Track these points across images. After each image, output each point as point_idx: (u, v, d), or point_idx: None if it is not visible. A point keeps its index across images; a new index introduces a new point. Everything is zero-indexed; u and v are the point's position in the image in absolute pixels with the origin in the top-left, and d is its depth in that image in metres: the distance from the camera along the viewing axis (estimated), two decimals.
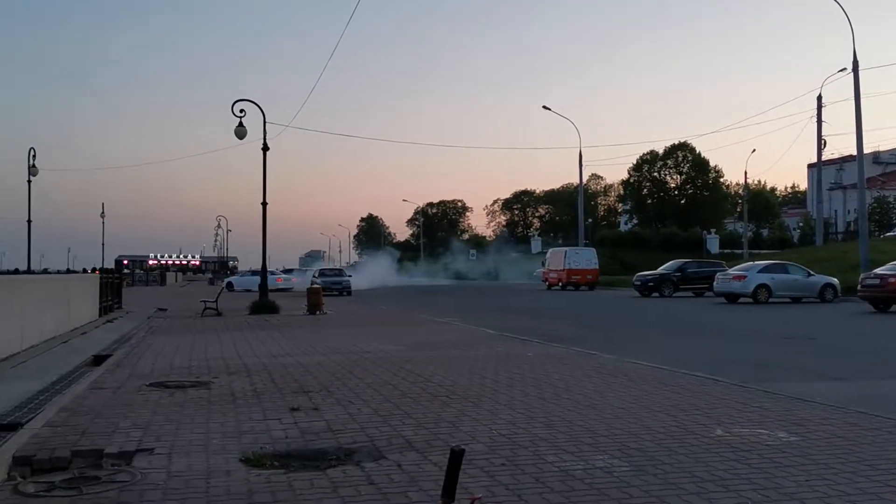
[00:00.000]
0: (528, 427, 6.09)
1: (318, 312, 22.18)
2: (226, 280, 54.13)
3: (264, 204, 24.29)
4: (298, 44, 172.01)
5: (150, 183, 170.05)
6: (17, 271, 16.36)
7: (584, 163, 50.26)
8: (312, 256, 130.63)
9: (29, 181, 33.03)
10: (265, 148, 24.24)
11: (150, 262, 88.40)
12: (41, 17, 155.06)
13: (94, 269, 24.92)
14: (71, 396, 7.73)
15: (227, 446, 5.49)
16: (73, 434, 5.87)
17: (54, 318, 15.24)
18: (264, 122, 24.23)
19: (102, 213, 61.01)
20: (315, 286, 25.26)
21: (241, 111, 23.48)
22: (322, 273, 44.42)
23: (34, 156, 33.03)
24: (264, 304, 23.30)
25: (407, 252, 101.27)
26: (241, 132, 23.81)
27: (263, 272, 25.70)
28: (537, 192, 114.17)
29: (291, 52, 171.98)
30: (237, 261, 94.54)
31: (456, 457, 2.73)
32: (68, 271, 22.38)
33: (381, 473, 4.77)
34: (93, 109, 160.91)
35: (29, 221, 32.95)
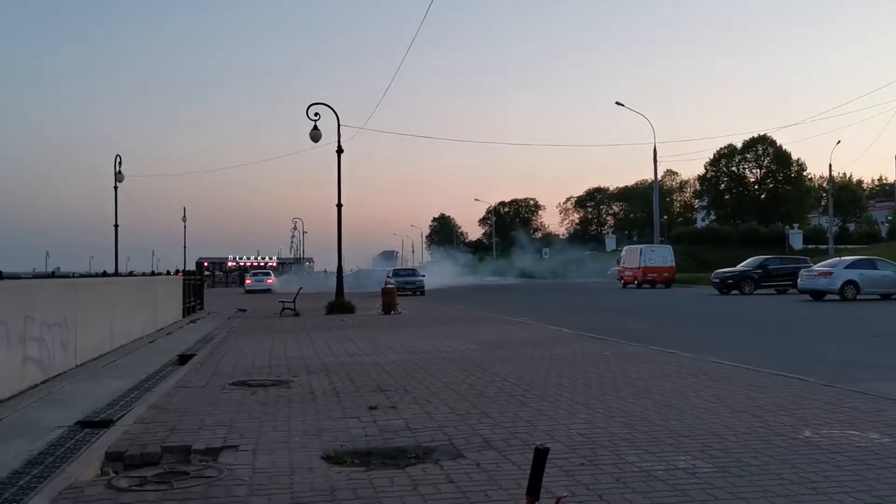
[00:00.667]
0: (606, 427, 6.03)
1: (392, 312, 22.41)
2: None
3: (339, 206, 24.67)
4: (371, 44, 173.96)
5: (229, 187, 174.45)
6: (105, 273, 17.07)
7: (658, 158, 49.32)
8: (386, 256, 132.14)
9: (115, 187, 34.41)
10: (339, 150, 24.62)
11: (230, 263, 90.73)
12: (126, 28, 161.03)
13: (176, 271, 25.70)
14: (159, 394, 8.02)
15: (308, 444, 5.60)
16: (163, 431, 6.08)
17: (142, 319, 15.83)
18: (338, 125, 24.64)
19: (184, 216, 63.07)
20: (389, 286, 25.53)
21: (316, 115, 23.92)
22: (396, 273, 44.89)
23: (120, 162, 34.38)
24: (340, 305, 23.66)
25: (478, 251, 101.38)
26: (315, 135, 24.24)
27: (339, 273, 26.08)
28: (611, 189, 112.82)
29: (364, 53, 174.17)
30: (313, 262, 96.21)
31: (540, 455, 2.73)
32: (153, 273, 23.19)
33: (460, 472, 4.79)
34: (174, 117, 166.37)
35: (116, 226, 34.33)
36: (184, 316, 21.84)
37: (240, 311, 25.69)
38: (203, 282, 30.47)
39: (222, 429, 6.15)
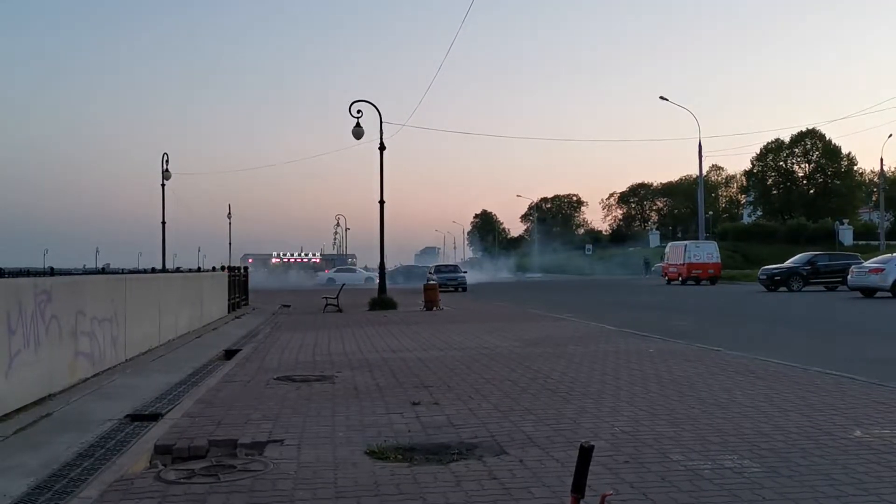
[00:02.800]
0: (651, 425, 5.96)
1: (434, 308, 22.46)
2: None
3: (381, 202, 24.77)
4: (413, 41, 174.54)
5: (273, 184, 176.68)
6: (153, 270, 17.42)
7: (703, 153, 48.60)
8: (427, 253, 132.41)
9: (163, 184, 35.08)
10: (382, 147, 24.71)
11: (274, 260, 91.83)
12: (174, 25, 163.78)
13: (222, 267, 26.08)
14: (205, 389, 8.15)
15: (352, 439, 5.64)
16: (210, 424, 6.18)
17: (188, 314, 16.10)
18: (381, 122, 24.75)
19: (229, 213, 64.08)
20: (431, 282, 25.58)
21: (359, 112, 24.06)
22: (438, 269, 44.96)
23: (167, 160, 35.02)
24: (383, 301, 23.78)
25: (520, 247, 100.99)
26: (358, 132, 24.39)
27: (381, 270, 26.21)
28: (655, 184, 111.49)
29: (406, 49, 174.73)
30: (355, 258, 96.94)
31: (585, 452, 2.71)
32: (199, 270, 23.60)
33: (503, 468, 4.78)
34: (218, 115, 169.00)
35: (163, 223, 35.01)
36: (229, 311, 22.15)
37: (284, 307, 25.97)
38: (248, 277, 30.87)
39: (267, 423, 6.23)
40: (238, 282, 25.35)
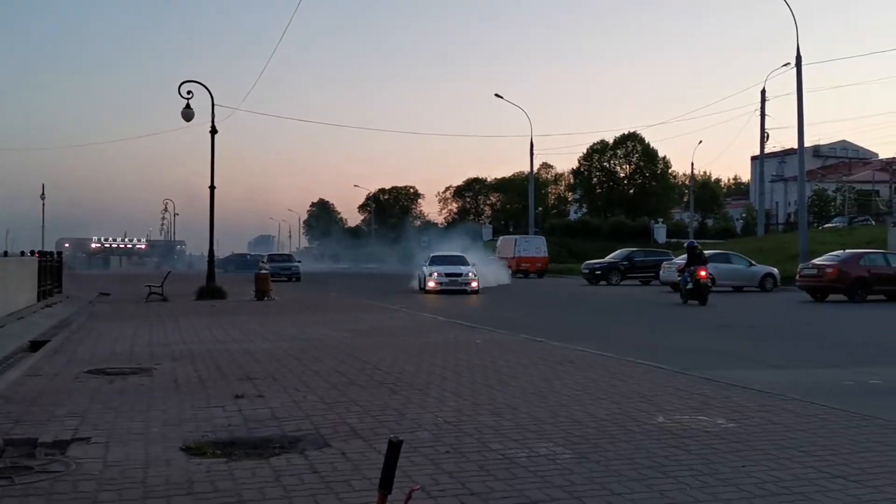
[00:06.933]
0: (473, 415, 6.11)
1: (266, 298, 21.94)
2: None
3: (212, 188, 23.94)
4: (250, 25, 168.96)
5: (96, 165, 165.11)
6: None
7: (535, 151, 50.54)
8: (262, 241, 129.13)
9: None
10: (213, 131, 23.83)
11: (94, 245, 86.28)
12: None
13: (32, 252, 24.18)
14: (5, 384, 7.50)
15: (167, 435, 5.38)
16: (7, 422, 5.69)
17: None
18: (212, 105, 23.86)
19: (42, 194, 59.52)
20: (264, 272, 24.97)
21: (189, 93, 23.04)
22: (271, 258, 44.00)
23: None
24: (211, 290, 22.96)
25: (358, 237, 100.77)
26: (188, 114, 23.37)
27: (211, 257, 25.34)
28: (489, 179, 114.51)
29: (242, 33, 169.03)
30: (185, 244, 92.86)
31: (394, 448, 2.70)
32: (5, 254, 21.73)
33: (324, 462, 4.73)
34: (32, 88, 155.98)
35: None
36: (39, 300, 20.56)
37: (102, 296, 24.46)
38: (62, 263, 28.75)
39: (74, 420, 5.82)
40: (50, 268, 23.58)
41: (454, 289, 26.12)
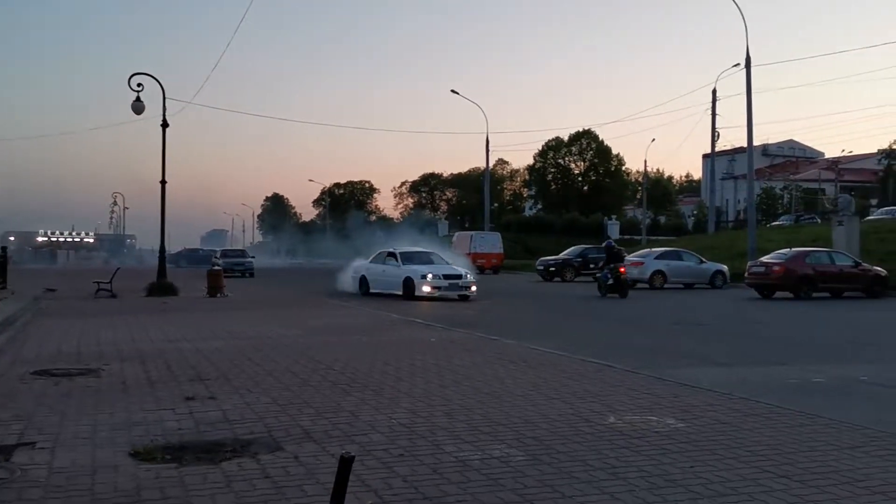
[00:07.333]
0: (427, 416, 6.12)
1: (218, 295, 21.67)
2: None
3: (163, 182, 23.53)
4: (204, 20, 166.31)
5: (44, 157, 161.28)
6: None
7: (490, 148, 50.80)
8: (215, 235, 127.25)
9: None
10: (164, 125, 23.41)
11: (40, 238, 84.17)
12: None
13: None
14: None
15: (115, 439, 5.29)
16: None
17: None
18: (164, 98, 23.45)
19: None
20: (216, 268, 24.60)
21: (139, 85, 22.60)
22: (224, 254, 43.40)
23: None
24: (162, 286, 22.56)
25: (312, 232, 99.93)
26: (138, 107, 22.93)
27: (162, 252, 24.90)
28: (445, 175, 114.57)
29: (195, 28, 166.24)
30: (135, 238, 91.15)
31: (345, 464, 2.69)
32: None
33: (277, 466, 4.70)
34: None
35: None
36: None
37: (49, 292, 23.88)
38: (6, 258, 27.96)
39: (18, 424, 5.69)
40: None
41: (452, 295, 22.19)
